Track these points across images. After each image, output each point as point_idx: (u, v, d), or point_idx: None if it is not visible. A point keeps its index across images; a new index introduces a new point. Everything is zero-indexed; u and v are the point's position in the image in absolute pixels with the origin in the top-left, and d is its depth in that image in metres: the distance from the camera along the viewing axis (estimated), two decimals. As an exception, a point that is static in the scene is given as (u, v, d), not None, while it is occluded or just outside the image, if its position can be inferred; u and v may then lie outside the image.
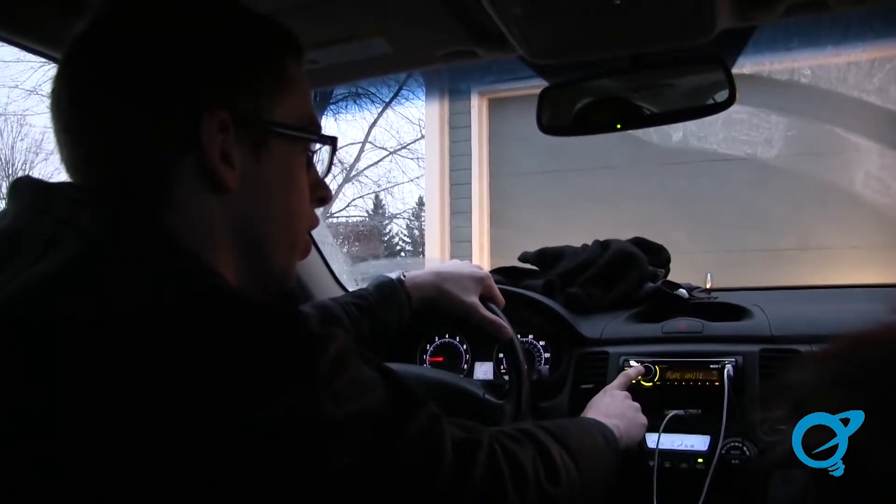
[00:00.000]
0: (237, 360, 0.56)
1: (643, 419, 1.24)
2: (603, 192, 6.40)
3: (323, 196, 0.83)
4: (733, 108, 1.22)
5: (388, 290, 1.26)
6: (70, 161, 0.70)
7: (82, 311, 0.56)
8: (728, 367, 1.32)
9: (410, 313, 1.27)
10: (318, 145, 0.80)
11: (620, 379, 1.32)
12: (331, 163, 0.82)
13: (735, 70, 1.20)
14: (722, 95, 1.20)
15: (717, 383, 1.32)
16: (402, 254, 14.19)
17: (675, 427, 1.31)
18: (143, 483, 0.53)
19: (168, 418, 0.54)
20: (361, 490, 0.61)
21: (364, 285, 1.31)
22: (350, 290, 1.60)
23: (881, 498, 0.47)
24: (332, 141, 0.81)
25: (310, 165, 0.80)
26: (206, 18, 0.71)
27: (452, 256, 6.91)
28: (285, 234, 0.77)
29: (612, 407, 1.21)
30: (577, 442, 0.93)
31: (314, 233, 1.68)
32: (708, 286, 1.73)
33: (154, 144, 0.67)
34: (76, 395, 0.54)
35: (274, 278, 0.77)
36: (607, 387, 1.30)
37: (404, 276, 1.29)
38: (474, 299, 1.29)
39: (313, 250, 1.69)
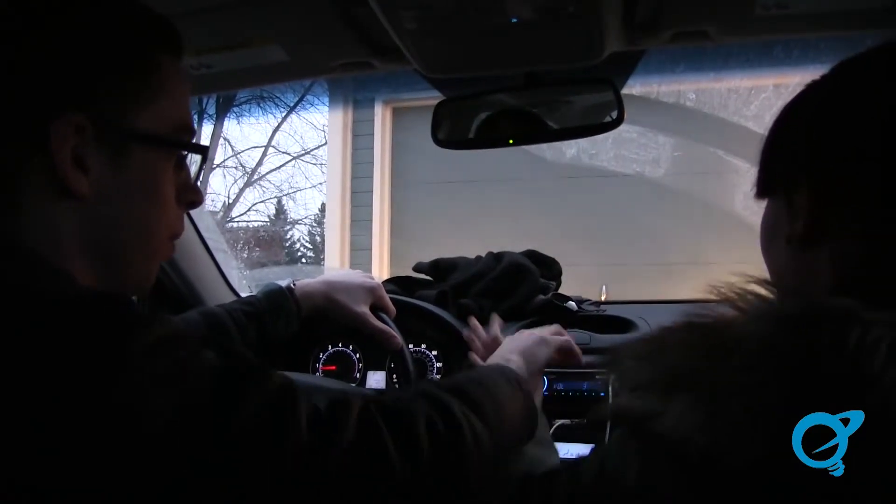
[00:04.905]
0: (56, 350, 0.54)
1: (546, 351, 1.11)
2: (501, 205, 6.48)
3: (192, 200, 0.78)
4: (623, 127, 1.27)
5: (276, 298, 1.24)
6: None
7: None
8: (612, 377, 1.36)
9: (300, 322, 1.26)
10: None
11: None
12: (199, 172, 0.78)
13: (625, 91, 1.24)
14: (611, 115, 1.23)
15: (602, 393, 1.36)
16: (304, 260, 13.92)
17: (563, 436, 1.34)
18: None
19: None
20: (196, 477, 0.56)
21: (255, 292, 1.29)
22: (244, 296, 1.56)
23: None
24: (202, 151, 0.76)
25: (181, 167, 0.75)
26: (73, 12, 0.66)
27: (352, 265, 6.86)
28: (144, 243, 0.72)
29: (515, 342, 1.10)
30: (480, 393, 0.80)
31: (208, 238, 1.64)
32: (603, 298, 1.78)
33: None
34: None
35: (131, 284, 0.73)
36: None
37: (294, 285, 1.28)
38: (364, 309, 1.29)
39: (206, 255, 1.65)
